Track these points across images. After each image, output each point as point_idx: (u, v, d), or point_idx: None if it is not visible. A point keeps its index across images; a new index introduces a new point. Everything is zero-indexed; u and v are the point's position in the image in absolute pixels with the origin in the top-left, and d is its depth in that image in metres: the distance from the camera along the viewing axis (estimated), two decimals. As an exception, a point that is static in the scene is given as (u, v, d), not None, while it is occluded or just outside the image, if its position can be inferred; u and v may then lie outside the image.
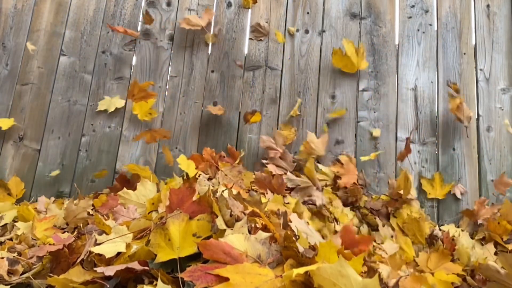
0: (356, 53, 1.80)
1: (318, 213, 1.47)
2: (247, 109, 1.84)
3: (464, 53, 1.87)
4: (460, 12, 1.92)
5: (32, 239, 1.30)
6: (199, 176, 1.55)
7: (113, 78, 1.88)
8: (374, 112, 1.82)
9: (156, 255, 0.92)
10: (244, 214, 1.06)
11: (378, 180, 1.75)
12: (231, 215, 1.02)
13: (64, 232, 1.35)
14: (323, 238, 1.33)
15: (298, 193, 1.61)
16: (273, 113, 1.84)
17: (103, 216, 1.31)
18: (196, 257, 0.93)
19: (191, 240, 0.95)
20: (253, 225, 1.04)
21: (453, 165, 1.77)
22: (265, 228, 1.03)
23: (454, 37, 1.89)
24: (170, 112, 1.85)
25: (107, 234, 1.10)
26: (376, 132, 1.78)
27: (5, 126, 1.77)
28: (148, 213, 1.31)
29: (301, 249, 0.92)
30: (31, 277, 1.00)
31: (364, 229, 1.51)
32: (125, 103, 1.84)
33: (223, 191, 1.13)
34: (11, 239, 1.33)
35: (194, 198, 1.07)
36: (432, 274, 1.15)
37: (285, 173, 1.66)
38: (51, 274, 0.96)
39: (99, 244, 0.99)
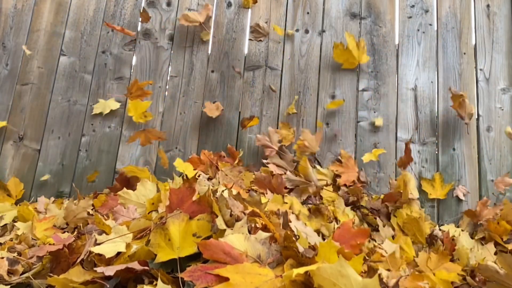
0: (357, 47, 1.80)
1: (317, 212, 1.46)
2: (247, 109, 1.84)
3: (464, 53, 1.87)
4: (460, 12, 1.92)
5: (32, 239, 1.30)
6: (199, 176, 1.55)
7: (113, 78, 1.88)
8: (374, 112, 1.82)
9: (156, 255, 0.92)
10: (244, 214, 1.06)
11: (378, 180, 1.76)
12: (231, 215, 1.02)
13: (64, 232, 1.35)
14: (323, 237, 1.34)
15: (297, 193, 1.61)
16: (273, 113, 1.84)
17: (103, 216, 1.31)
18: (196, 257, 0.93)
19: (191, 240, 0.95)
20: (253, 225, 1.04)
21: (453, 165, 1.77)
22: (265, 228, 1.04)
23: (454, 37, 1.89)
24: (170, 112, 1.85)
25: (107, 234, 1.10)
26: (378, 122, 1.78)
27: None
28: (148, 213, 1.31)
29: (301, 249, 0.92)
30: (31, 277, 1.00)
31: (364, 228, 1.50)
32: (126, 103, 1.84)
33: (223, 191, 1.13)
34: (11, 239, 1.33)
35: (194, 198, 1.07)
36: (433, 274, 1.15)
37: (285, 173, 1.66)
38: (51, 274, 0.96)
39: (99, 244, 0.99)
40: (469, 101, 1.79)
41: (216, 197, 1.04)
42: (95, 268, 0.91)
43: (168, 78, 1.89)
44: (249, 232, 0.99)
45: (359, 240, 1.17)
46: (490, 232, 1.50)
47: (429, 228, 1.49)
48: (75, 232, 1.30)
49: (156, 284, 0.83)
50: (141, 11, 1.90)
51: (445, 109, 1.82)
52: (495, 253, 1.40)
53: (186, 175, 1.56)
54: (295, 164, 1.72)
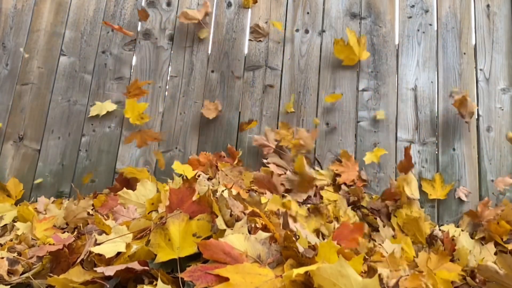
0: (358, 43, 1.80)
1: (316, 211, 1.46)
2: (247, 109, 1.84)
3: (464, 53, 1.87)
4: (460, 12, 1.92)
5: (32, 239, 1.30)
6: (198, 176, 1.55)
7: (113, 78, 1.88)
8: (374, 112, 1.82)
9: (156, 255, 0.92)
10: (244, 214, 1.06)
11: (378, 180, 1.75)
12: (231, 215, 1.02)
13: (64, 232, 1.35)
14: (322, 236, 1.34)
15: (295, 192, 1.61)
16: (273, 113, 1.84)
17: (103, 216, 1.31)
18: (196, 257, 0.93)
19: (191, 240, 0.95)
20: (253, 225, 1.04)
21: (453, 165, 1.77)
22: (265, 228, 1.03)
23: (454, 37, 1.89)
24: (170, 112, 1.85)
25: (107, 234, 1.10)
26: (380, 115, 1.78)
27: None
28: (148, 213, 1.31)
29: (301, 249, 0.92)
30: (31, 277, 1.00)
31: (365, 228, 1.50)
32: (125, 103, 1.83)
33: (223, 191, 1.13)
34: (11, 240, 1.33)
35: (194, 198, 1.07)
36: (434, 274, 1.15)
37: (285, 173, 1.66)
38: (51, 274, 0.96)
39: (99, 244, 0.99)
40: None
41: (216, 197, 1.04)
42: (95, 268, 0.91)
43: (168, 78, 1.89)
44: (249, 232, 0.99)
45: (356, 235, 1.22)
46: (490, 232, 1.50)
47: (429, 228, 1.49)
48: (75, 232, 1.30)
49: (156, 284, 0.83)
50: (139, 9, 1.90)
51: (445, 109, 1.82)
52: (495, 253, 1.40)
53: (186, 176, 1.56)
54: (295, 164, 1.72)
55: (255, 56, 1.89)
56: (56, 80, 1.87)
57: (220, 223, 0.98)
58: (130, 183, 1.66)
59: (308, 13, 1.93)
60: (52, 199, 1.70)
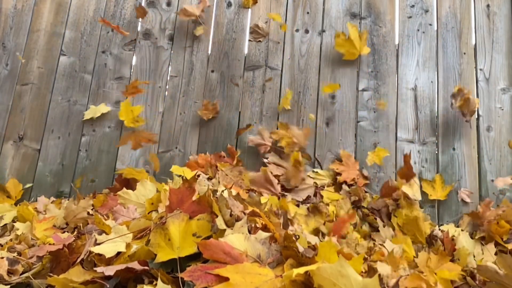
0: (359, 37, 1.80)
1: (315, 210, 1.46)
2: (247, 109, 1.84)
3: (464, 53, 1.87)
4: (460, 12, 1.92)
5: (32, 239, 1.30)
6: (198, 176, 1.55)
7: (113, 78, 1.88)
8: (374, 112, 1.82)
9: (156, 255, 0.92)
10: (244, 214, 1.05)
11: (378, 180, 1.75)
12: (231, 215, 1.01)
13: (64, 232, 1.35)
14: (322, 235, 1.34)
15: (297, 193, 1.61)
16: (273, 113, 1.84)
17: (103, 216, 1.31)
18: (196, 257, 0.93)
19: (191, 240, 0.95)
20: (253, 225, 1.04)
21: (453, 165, 1.77)
22: (265, 228, 1.03)
23: (454, 37, 1.89)
24: (170, 112, 1.85)
25: (107, 234, 1.10)
26: (382, 105, 1.78)
27: None
28: (148, 213, 1.31)
29: (301, 249, 0.92)
30: (31, 277, 1.00)
31: (366, 227, 1.50)
32: (125, 103, 1.84)
33: (223, 191, 1.13)
34: (11, 240, 1.33)
35: (194, 198, 1.07)
36: (434, 274, 1.15)
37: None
38: (51, 274, 0.96)
39: (99, 244, 0.99)
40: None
41: (216, 197, 1.04)
42: (95, 268, 0.91)
43: (168, 78, 1.89)
44: (249, 232, 0.99)
45: (347, 221, 1.34)
46: (490, 232, 1.50)
47: (429, 228, 1.49)
48: (75, 232, 1.30)
49: (156, 284, 0.83)
50: (137, 6, 1.90)
51: (445, 109, 1.81)
52: (495, 254, 1.40)
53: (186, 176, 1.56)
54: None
55: (255, 56, 1.89)
56: (56, 80, 1.88)
57: (220, 223, 0.98)
58: (130, 183, 1.66)
59: (308, 13, 1.93)
60: (52, 199, 1.70)
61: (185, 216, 0.98)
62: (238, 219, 1.01)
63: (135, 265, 0.90)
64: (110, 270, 0.87)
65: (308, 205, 1.51)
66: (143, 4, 1.95)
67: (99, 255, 0.96)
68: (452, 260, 1.25)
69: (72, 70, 1.89)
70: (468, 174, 1.76)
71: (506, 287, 0.92)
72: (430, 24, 1.91)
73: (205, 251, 0.89)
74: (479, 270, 0.98)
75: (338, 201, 1.56)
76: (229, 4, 1.95)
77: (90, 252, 0.96)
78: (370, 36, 1.89)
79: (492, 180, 1.74)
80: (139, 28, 1.93)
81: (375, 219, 1.53)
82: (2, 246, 1.27)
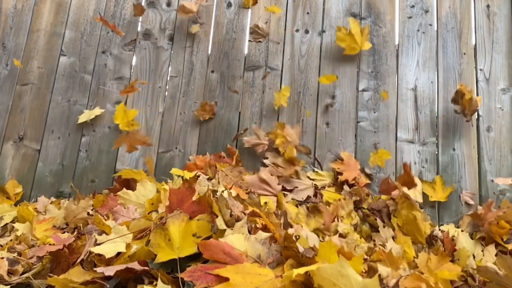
0: (361, 32, 1.79)
1: (315, 210, 1.46)
2: (247, 109, 1.84)
3: (464, 53, 1.87)
4: (460, 12, 1.92)
5: (32, 239, 1.30)
6: (198, 176, 1.55)
7: (113, 78, 1.88)
8: (374, 112, 1.82)
9: (156, 255, 0.92)
10: (244, 214, 1.06)
11: (378, 180, 1.75)
12: (231, 215, 1.01)
13: (64, 232, 1.35)
14: (319, 235, 1.34)
15: (297, 193, 1.61)
16: (273, 113, 1.84)
17: (103, 216, 1.31)
18: (196, 257, 0.93)
19: (191, 240, 0.95)
20: (253, 225, 1.04)
21: (453, 165, 1.77)
22: (265, 228, 1.03)
23: (454, 37, 1.89)
24: (170, 112, 1.85)
25: (107, 234, 1.10)
26: (384, 95, 1.78)
27: None
28: (148, 213, 1.31)
29: (301, 249, 0.92)
30: (31, 277, 1.00)
31: (366, 228, 1.50)
32: (126, 102, 1.83)
33: (223, 191, 1.13)
34: (11, 240, 1.33)
35: (194, 198, 1.07)
36: (434, 274, 1.15)
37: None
38: (51, 274, 0.96)
39: (99, 244, 0.99)
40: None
41: (216, 197, 1.04)
42: (95, 268, 0.91)
43: (168, 78, 1.89)
44: (249, 232, 0.99)
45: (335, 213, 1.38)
46: (490, 232, 1.50)
47: (429, 229, 1.48)
48: (75, 232, 1.30)
49: (156, 284, 0.83)
50: (135, 3, 1.89)
51: (445, 109, 1.81)
52: (496, 254, 1.40)
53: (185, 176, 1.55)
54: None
55: (255, 56, 1.89)
56: (56, 80, 1.88)
57: (220, 223, 0.98)
58: (130, 184, 1.66)
59: (308, 13, 1.93)
60: (52, 199, 1.70)
61: (185, 216, 0.98)
62: (238, 220, 1.01)
63: (135, 265, 0.90)
64: (110, 271, 0.87)
65: (307, 204, 1.51)
66: (143, 4, 1.95)
67: (99, 255, 0.96)
68: (452, 261, 1.25)
69: (72, 70, 1.89)
70: (468, 174, 1.76)
71: (506, 287, 0.92)
72: (430, 24, 1.91)
73: (205, 251, 0.89)
74: (479, 271, 0.98)
75: (340, 201, 1.55)
76: (229, 4, 1.95)
77: (90, 253, 0.96)
78: (370, 36, 1.89)
79: (492, 180, 1.74)
80: (139, 28, 1.93)
81: (375, 219, 1.53)
82: (2, 246, 1.27)
